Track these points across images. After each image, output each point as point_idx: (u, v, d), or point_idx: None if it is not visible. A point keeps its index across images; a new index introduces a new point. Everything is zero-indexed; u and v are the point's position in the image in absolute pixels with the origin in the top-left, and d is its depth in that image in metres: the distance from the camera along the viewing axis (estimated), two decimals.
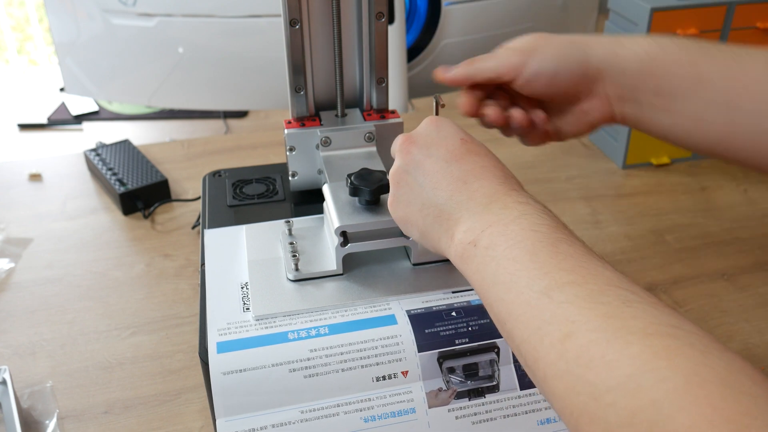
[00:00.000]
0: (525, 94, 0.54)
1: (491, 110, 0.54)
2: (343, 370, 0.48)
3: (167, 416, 0.59)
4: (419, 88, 1.46)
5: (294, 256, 0.55)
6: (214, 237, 0.60)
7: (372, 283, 0.54)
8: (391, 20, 1.22)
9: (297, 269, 0.54)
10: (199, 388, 0.62)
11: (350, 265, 0.55)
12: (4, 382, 0.58)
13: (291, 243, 0.57)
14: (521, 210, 0.41)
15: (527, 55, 0.52)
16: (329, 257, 0.55)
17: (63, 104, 2.49)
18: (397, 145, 0.50)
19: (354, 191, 0.53)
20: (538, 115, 0.55)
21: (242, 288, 0.54)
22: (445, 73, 0.55)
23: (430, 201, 0.46)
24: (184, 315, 0.70)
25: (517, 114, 0.54)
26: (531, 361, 0.36)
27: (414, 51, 1.41)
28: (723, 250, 0.79)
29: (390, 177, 0.49)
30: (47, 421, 0.58)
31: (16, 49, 2.94)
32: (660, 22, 0.85)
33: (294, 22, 0.60)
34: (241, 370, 0.47)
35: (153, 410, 0.60)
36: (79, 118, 2.41)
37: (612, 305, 0.34)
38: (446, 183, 0.45)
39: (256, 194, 0.68)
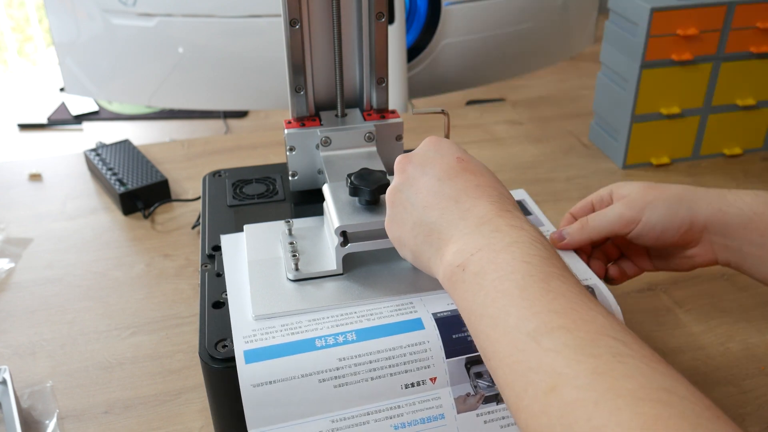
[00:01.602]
0: (635, 243, 0.56)
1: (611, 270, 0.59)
2: (372, 378, 0.48)
3: (167, 416, 0.59)
4: (419, 88, 1.46)
5: (294, 256, 0.55)
6: (231, 242, 0.60)
7: (372, 282, 0.54)
8: (391, 20, 1.22)
9: (297, 269, 0.54)
10: (199, 388, 0.62)
11: (350, 264, 0.55)
12: (4, 382, 0.58)
13: (291, 243, 0.57)
14: (513, 236, 0.41)
15: (639, 211, 0.54)
16: (329, 257, 0.55)
17: (63, 104, 2.49)
18: (395, 164, 0.50)
19: (354, 191, 0.53)
20: (631, 269, 0.60)
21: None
22: (560, 241, 0.56)
23: (422, 220, 0.46)
24: (184, 315, 0.70)
25: (613, 271, 0.59)
26: (513, 407, 0.35)
27: (414, 51, 1.41)
28: None
29: (386, 197, 0.49)
30: (47, 421, 0.58)
31: (16, 49, 2.94)
32: (660, 22, 0.85)
33: (294, 22, 0.60)
34: (270, 382, 0.46)
35: (153, 410, 0.60)
36: (79, 118, 2.41)
37: (602, 359, 0.32)
38: (437, 201, 0.45)
39: (256, 194, 0.68)
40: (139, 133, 2.32)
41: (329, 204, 0.55)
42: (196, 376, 0.63)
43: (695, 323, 0.68)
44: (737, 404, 0.60)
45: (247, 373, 0.46)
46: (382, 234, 0.54)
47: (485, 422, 0.48)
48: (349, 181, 0.53)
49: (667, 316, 0.69)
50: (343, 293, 0.53)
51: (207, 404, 0.54)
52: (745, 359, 0.64)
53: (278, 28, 0.59)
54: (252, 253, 0.57)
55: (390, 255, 0.57)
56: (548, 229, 0.61)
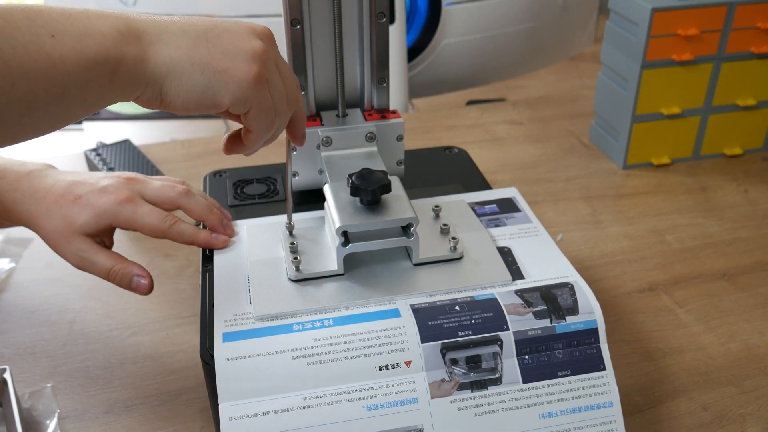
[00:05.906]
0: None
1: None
2: (346, 358, 0.48)
3: (168, 416, 0.59)
4: (419, 88, 1.46)
5: (295, 256, 0.55)
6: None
7: (373, 282, 0.54)
8: (391, 20, 1.22)
9: (298, 269, 0.54)
10: (200, 388, 0.62)
11: (351, 264, 0.55)
12: (4, 383, 0.58)
13: (292, 243, 0.57)
14: None
15: None
16: (330, 257, 0.56)
17: None
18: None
19: (355, 191, 0.53)
20: None
21: (248, 281, 0.55)
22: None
23: None
24: (184, 315, 0.70)
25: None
26: None
27: (414, 51, 1.41)
28: (723, 250, 0.79)
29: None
30: (48, 421, 0.58)
31: None
32: (660, 22, 0.85)
33: (295, 22, 0.60)
34: (244, 356, 0.48)
35: (154, 410, 0.60)
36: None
37: None
38: None
39: (257, 194, 0.68)
40: (139, 133, 2.31)
41: (330, 204, 0.55)
42: (196, 376, 0.63)
43: (695, 323, 0.69)
44: (738, 404, 0.60)
45: (222, 349, 0.48)
46: (383, 234, 0.54)
47: (459, 409, 0.48)
48: (350, 181, 0.53)
49: (668, 316, 0.69)
50: (343, 293, 0.53)
51: (207, 404, 0.54)
52: (746, 359, 0.64)
53: (278, 28, 0.59)
54: (253, 253, 0.58)
55: (391, 255, 0.57)
56: (536, 227, 0.61)
